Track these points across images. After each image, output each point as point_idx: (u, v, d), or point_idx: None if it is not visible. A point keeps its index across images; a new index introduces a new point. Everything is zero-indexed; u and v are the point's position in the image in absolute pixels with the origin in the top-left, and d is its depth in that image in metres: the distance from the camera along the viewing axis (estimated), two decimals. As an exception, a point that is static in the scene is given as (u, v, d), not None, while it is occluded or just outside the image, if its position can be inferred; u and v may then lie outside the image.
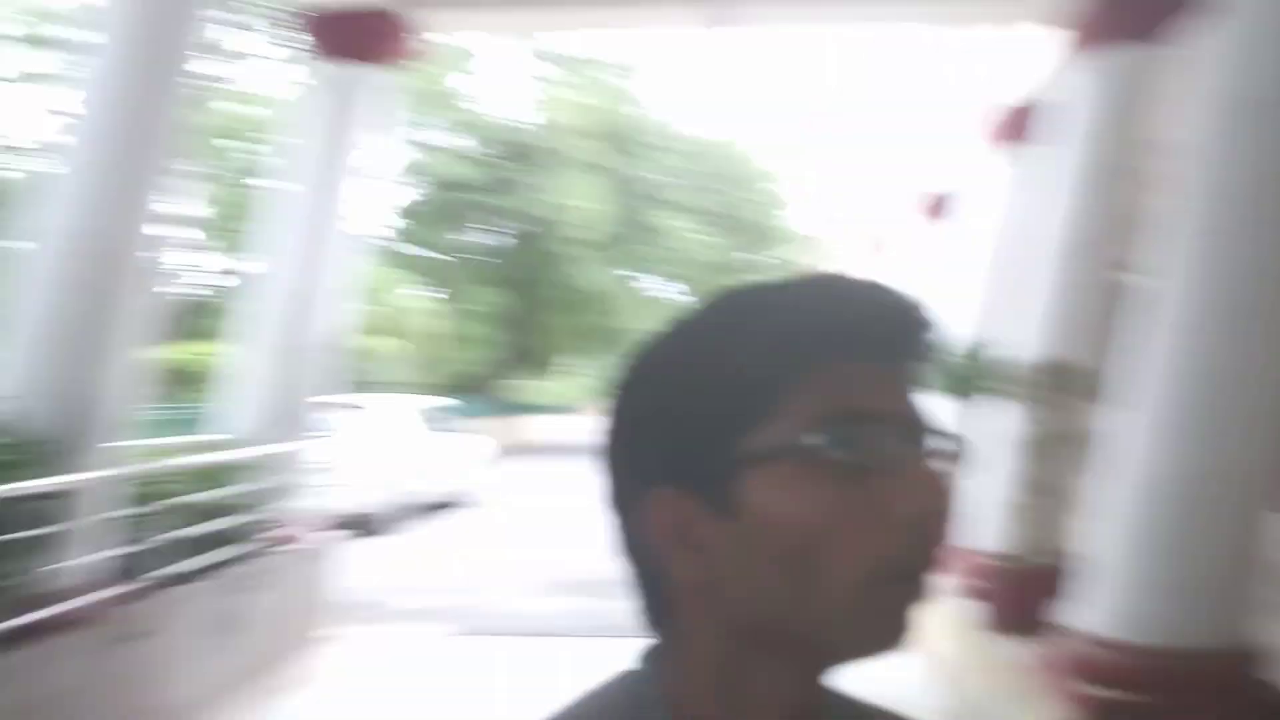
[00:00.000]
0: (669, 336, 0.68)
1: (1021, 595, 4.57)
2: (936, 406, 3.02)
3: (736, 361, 0.63)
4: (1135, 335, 3.74)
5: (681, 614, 0.66)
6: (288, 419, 5.65)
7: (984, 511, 5.31)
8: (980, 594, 5.01)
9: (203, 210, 15.38)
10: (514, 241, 25.57)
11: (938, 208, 10.52)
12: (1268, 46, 3.45)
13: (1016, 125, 7.07)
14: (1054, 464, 4.67)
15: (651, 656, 0.68)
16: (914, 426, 0.63)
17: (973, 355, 6.10)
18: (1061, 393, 4.61)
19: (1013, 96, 7.05)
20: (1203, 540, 3.45)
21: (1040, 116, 6.10)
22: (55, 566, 3.55)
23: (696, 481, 0.63)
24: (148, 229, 4.06)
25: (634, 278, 27.75)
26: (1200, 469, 3.43)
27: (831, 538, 0.60)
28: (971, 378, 5.83)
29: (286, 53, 16.26)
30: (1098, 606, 3.64)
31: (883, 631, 0.61)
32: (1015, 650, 4.26)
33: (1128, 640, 3.49)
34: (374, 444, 10.75)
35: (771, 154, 28.22)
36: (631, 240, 25.79)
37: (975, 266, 7.91)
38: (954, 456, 0.64)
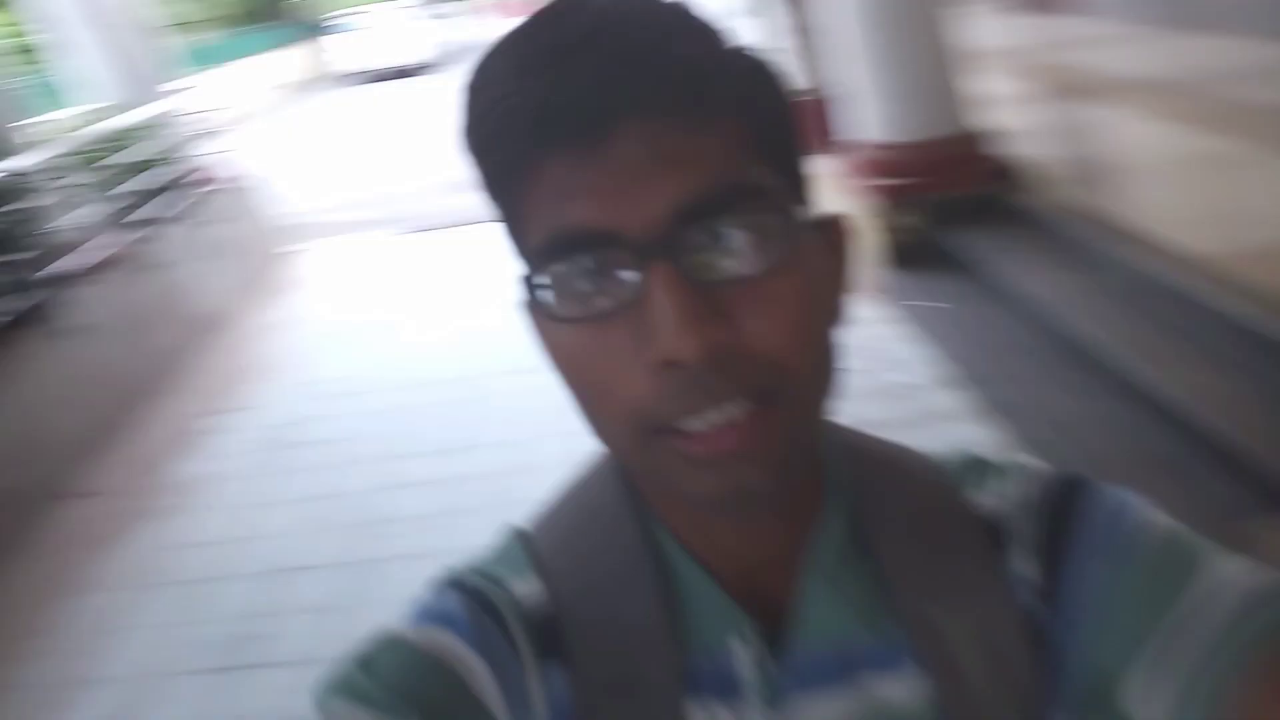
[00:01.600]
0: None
1: (808, 121, 5.85)
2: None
3: (473, 155, 0.49)
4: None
5: None
6: (141, 80, 6.15)
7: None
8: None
9: None
10: None
11: None
12: None
13: None
14: (808, 5, 5.66)
15: None
16: (653, 225, 0.45)
17: None
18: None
19: None
20: (920, 53, 4.73)
21: None
22: (57, 226, 4.33)
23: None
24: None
25: None
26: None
27: (585, 387, 0.49)
28: None
29: None
30: (866, 117, 4.97)
31: (685, 484, 0.48)
32: (814, 165, 5.59)
33: (894, 140, 4.88)
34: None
35: None
36: None
37: None
38: (766, 232, 0.46)
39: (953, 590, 0.54)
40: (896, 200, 4.70)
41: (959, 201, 4.71)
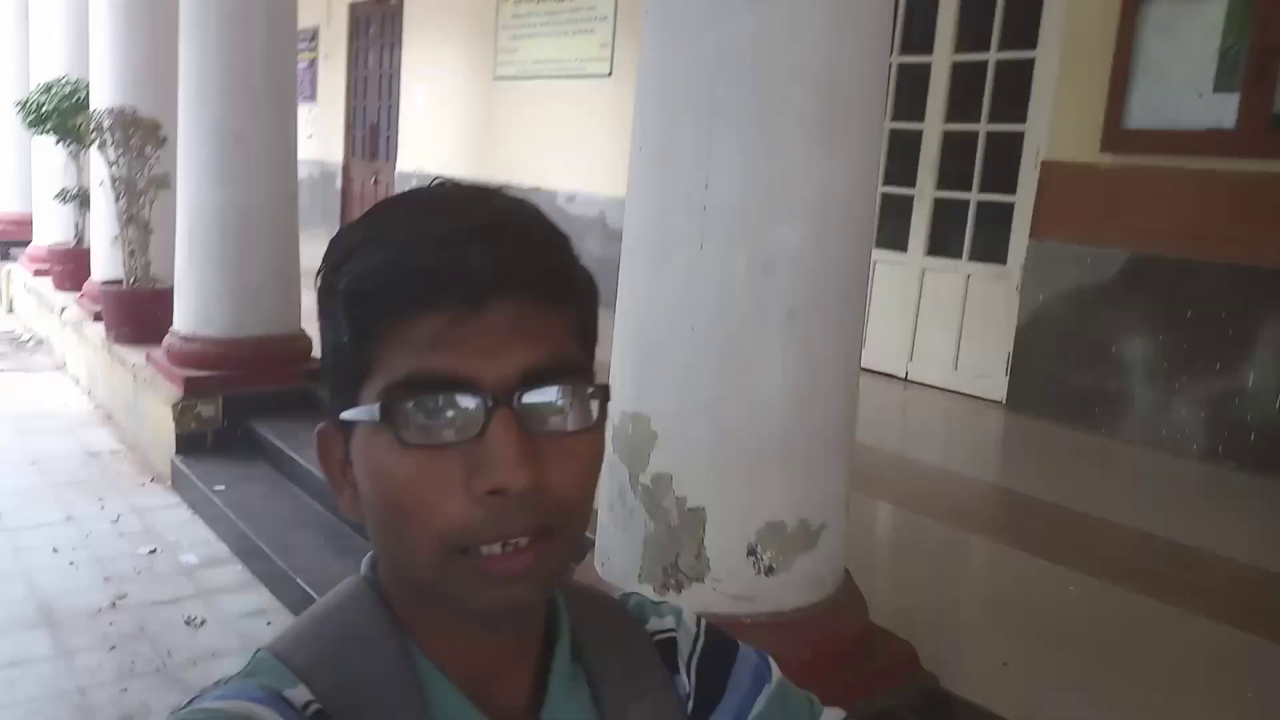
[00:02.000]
0: (323, 258, 0.62)
1: (137, 316, 5.79)
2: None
3: (336, 306, 0.58)
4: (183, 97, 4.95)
5: None
6: None
7: (99, 245, 6.40)
8: (101, 317, 6.13)
9: None
10: None
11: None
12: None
13: None
14: (140, 204, 5.81)
15: (373, 565, 0.66)
16: (504, 382, 0.55)
17: (64, 96, 6.88)
18: (135, 138, 5.67)
19: None
20: (254, 260, 5.00)
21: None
22: None
23: (340, 425, 0.60)
24: None
25: None
26: (244, 205, 4.91)
27: (402, 509, 0.56)
28: (66, 118, 6.67)
29: None
30: (187, 314, 5.05)
31: (472, 598, 0.57)
32: (133, 355, 5.50)
33: (212, 333, 4.98)
34: None
35: None
36: None
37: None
38: (580, 402, 0.58)
39: (640, 693, 0.70)
40: (196, 391, 4.74)
41: (271, 393, 4.86)
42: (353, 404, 0.58)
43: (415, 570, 0.58)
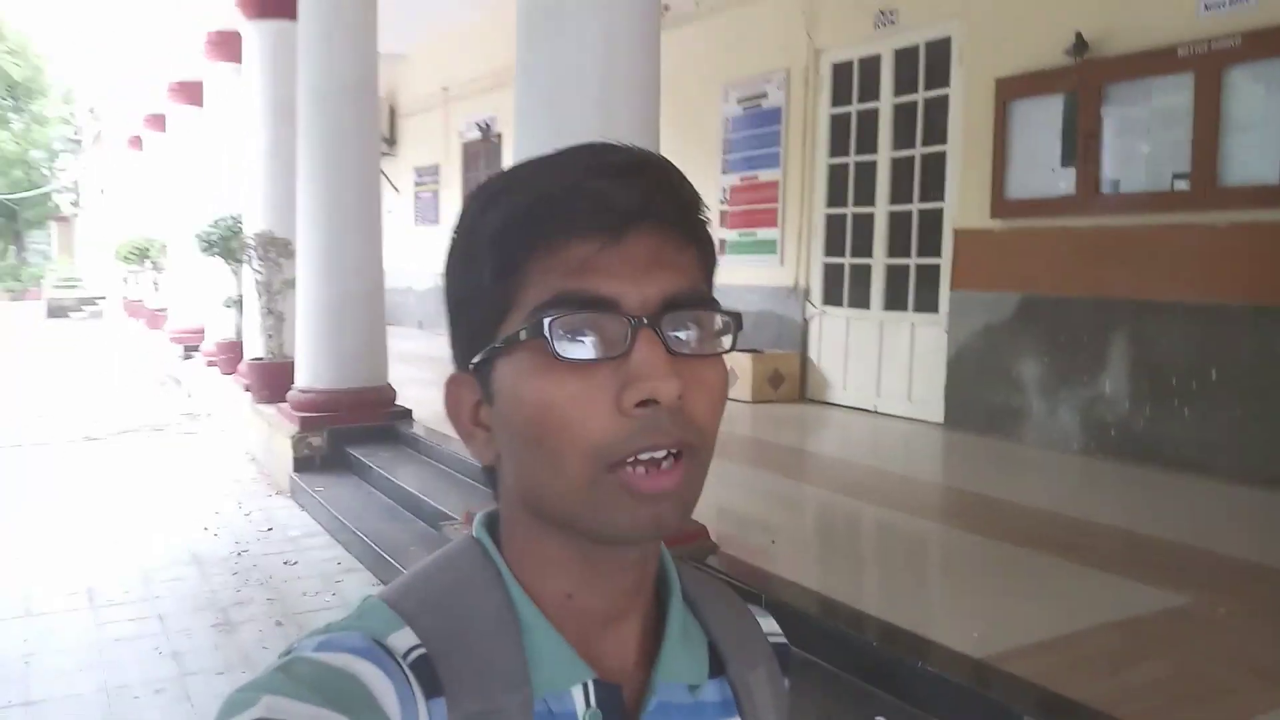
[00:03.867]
0: (456, 220, 0.67)
1: (270, 379, 7.72)
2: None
3: (479, 249, 0.63)
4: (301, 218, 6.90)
5: (501, 488, 0.68)
6: None
7: (250, 334, 8.45)
8: (248, 383, 8.13)
9: None
10: None
11: (189, 97, 13.01)
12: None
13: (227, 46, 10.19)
14: (276, 299, 7.81)
15: (489, 525, 0.69)
16: (657, 307, 0.60)
17: (229, 226, 9.13)
18: (272, 253, 7.72)
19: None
20: (349, 333, 6.82)
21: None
22: None
23: (475, 368, 0.64)
24: None
25: None
26: (341, 295, 6.76)
27: (554, 426, 0.59)
28: (228, 243, 8.91)
29: None
30: (303, 374, 6.88)
31: (619, 516, 0.59)
32: (272, 412, 7.37)
33: (322, 386, 6.79)
34: None
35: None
36: None
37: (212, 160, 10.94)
38: (714, 329, 0.63)
39: (754, 663, 0.75)
40: (308, 427, 6.54)
41: (363, 429, 6.63)
42: (492, 341, 0.62)
43: (563, 492, 0.60)
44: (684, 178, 0.64)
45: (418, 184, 15.24)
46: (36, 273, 40.72)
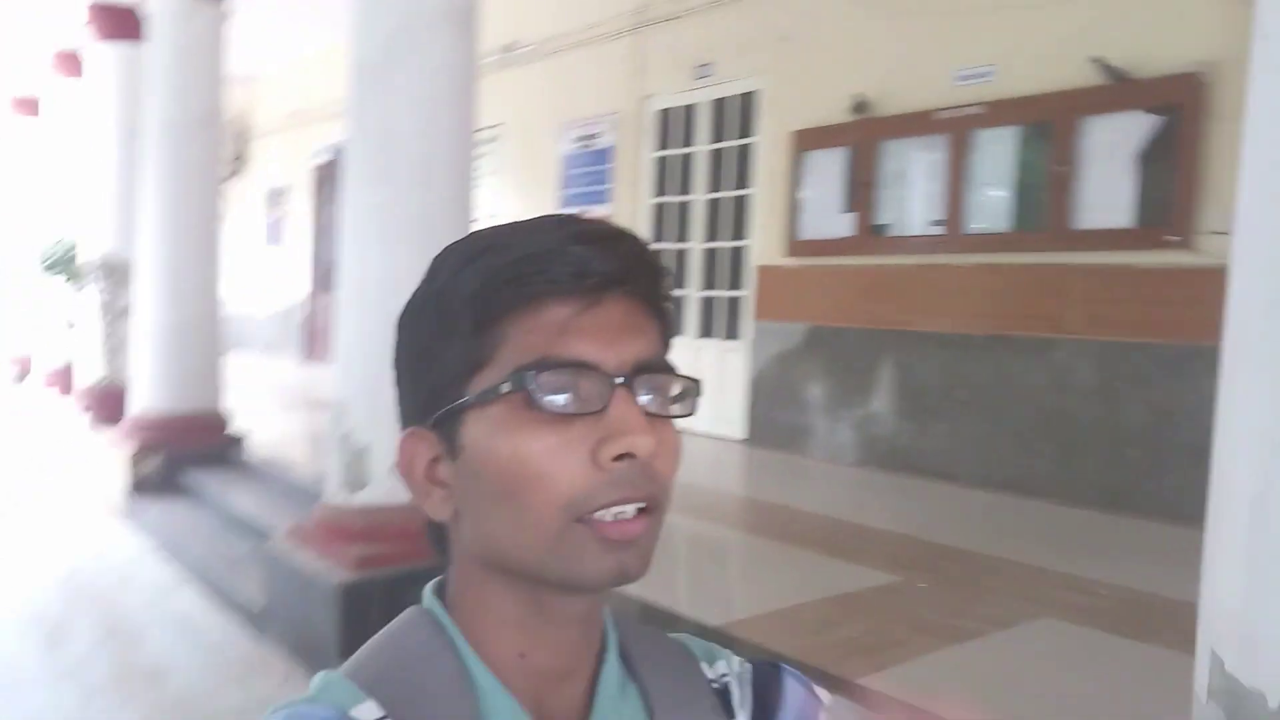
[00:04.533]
0: (426, 276, 0.69)
1: (107, 402, 7.88)
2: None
3: (453, 306, 0.65)
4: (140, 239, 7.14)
5: (454, 548, 0.69)
6: None
7: (88, 357, 8.57)
8: (85, 406, 8.25)
9: None
10: None
11: (25, 109, 12.87)
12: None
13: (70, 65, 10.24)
14: (117, 323, 7.99)
15: (439, 591, 0.71)
16: (631, 369, 0.64)
17: (68, 248, 9.22)
18: (116, 277, 7.91)
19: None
20: (187, 358, 7.07)
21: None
22: None
23: (435, 422, 0.66)
24: None
25: None
26: (179, 321, 7.02)
27: (527, 480, 0.62)
28: (67, 264, 9.01)
29: None
30: (141, 397, 7.10)
31: (586, 564, 0.62)
32: (108, 433, 7.52)
33: (159, 410, 7.01)
34: None
35: None
36: None
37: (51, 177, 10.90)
38: (673, 394, 0.67)
39: (692, 715, 0.73)
40: (144, 449, 6.76)
41: (198, 452, 6.89)
42: (462, 395, 0.65)
43: (530, 543, 0.63)
44: (656, 252, 0.69)
45: (270, 205, 15.30)
46: None
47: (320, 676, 0.66)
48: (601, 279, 0.64)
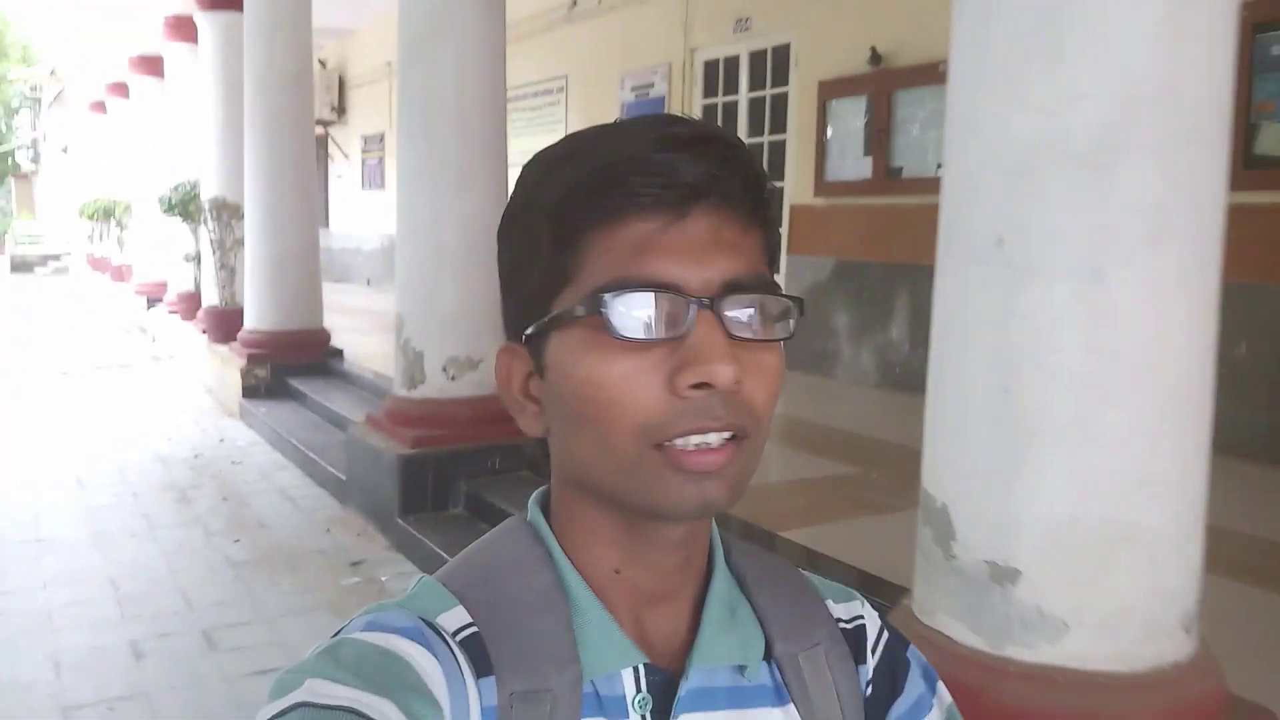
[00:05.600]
0: (517, 183, 0.65)
1: (224, 323, 9.09)
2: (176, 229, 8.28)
3: (537, 219, 0.61)
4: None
5: (553, 463, 0.67)
6: None
7: (206, 285, 9.81)
8: (204, 327, 9.51)
9: None
10: None
11: (151, 69, 14.16)
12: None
13: (184, 29, 11.38)
14: (229, 255, 9.17)
15: (542, 504, 0.69)
16: (718, 289, 0.59)
17: (187, 191, 10.45)
18: (225, 215, 9.07)
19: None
20: (289, 283, 8.17)
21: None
22: None
23: (527, 340, 0.64)
24: None
25: None
26: (282, 251, 8.11)
27: (602, 405, 0.59)
28: (187, 205, 10.24)
29: None
30: (251, 317, 8.25)
31: (665, 492, 0.59)
32: (224, 350, 8.73)
33: (266, 328, 8.16)
34: None
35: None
36: None
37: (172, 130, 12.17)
38: (774, 314, 0.61)
39: (811, 644, 0.70)
40: (254, 361, 7.93)
41: (300, 364, 8.03)
42: (547, 314, 0.61)
43: (610, 468, 0.60)
44: (751, 153, 0.62)
45: (365, 151, 16.45)
46: (-2, 228, 41.47)
47: (418, 580, 0.65)
48: (687, 190, 0.59)
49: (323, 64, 16.06)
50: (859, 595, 0.76)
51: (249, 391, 7.94)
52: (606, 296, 0.57)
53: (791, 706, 0.68)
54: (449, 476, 4.95)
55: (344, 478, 5.62)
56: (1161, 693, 2.02)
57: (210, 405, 8.53)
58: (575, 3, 10.14)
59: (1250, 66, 4.88)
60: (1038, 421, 2.02)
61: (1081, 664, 2.02)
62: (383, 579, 4.50)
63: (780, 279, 7.62)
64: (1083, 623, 2.02)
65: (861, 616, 0.75)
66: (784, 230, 8.20)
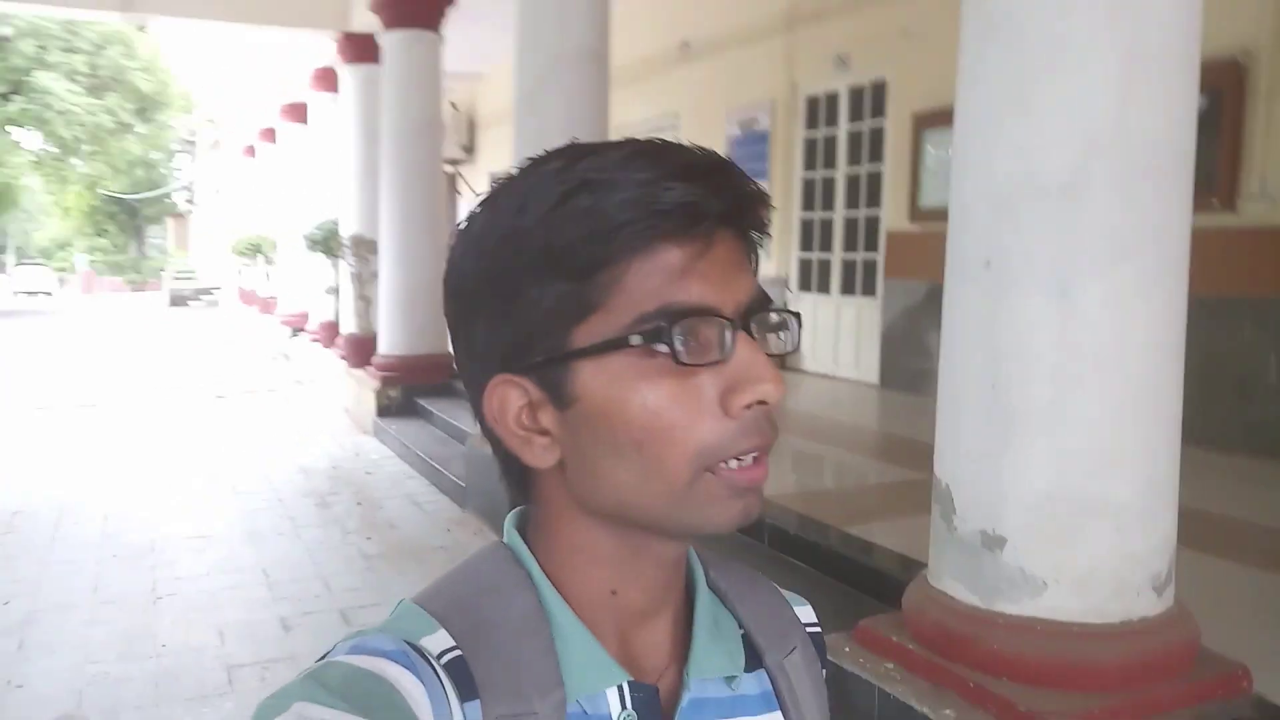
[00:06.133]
0: (496, 208, 0.63)
1: (360, 349, 9.93)
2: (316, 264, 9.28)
3: (559, 247, 0.59)
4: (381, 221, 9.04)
5: (542, 490, 0.66)
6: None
7: (344, 315, 10.70)
8: (343, 353, 10.38)
9: None
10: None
11: (297, 116, 15.35)
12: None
13: (328, 80, 12.38)
14: (365, 287, 10.03)
15: (520, 528, 0.68)
16: (744, 311, 0.60)
17: (329, 228, 11.41)
18: (363, 251, 9.93)
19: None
20: (419, 313, 8.92)
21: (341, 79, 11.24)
22: None
23: (533, 370, 0.61)
24: None
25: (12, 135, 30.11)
26: (413, 283, 8.86)
27: (658, 431, 0.58)
28: (328, 242, 11.19)
29: None
30: (384, 344, 9.03)
31: (717, 511, 0.60)
32: (361, 374, 9.54)
33: (398, 353, 8.93)
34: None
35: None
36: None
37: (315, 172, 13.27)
38: (786, 332, 0.64)
39: (790, 649, 0.73)
40: (387, 384, 8.71)
41: (429, 385, 8.76)
42: (563, 347, 0.60)
43: (658, 492, 0.60)
44: (758, 184, 0.63)
45: (492, 187, 17.28)
46: (156, 265, 44.63)
47: (399, 604, 0.65)
48: (715, 219, 0.59)
49: (454, 106, 17.06)
50: (806, 603, 0.80)
51: (382, 410, 8.70)
52: (663, 324, 0.57)
53: (778, 713, 0.71)
54: (555, 481, 5.47)
55: (464, 485, 6.23)
56: (1128, 642, 2.36)
57: (347, 424, 9.34)
58: (688, 44, 10.71)
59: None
60: (1020, 410, 2.41)
61: (1059, 616, 2.38)
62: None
63: (877, 301, 7.96)
64: (1059, 581, 2.39)
65: (815, 623, 0.79)
66: (881, 255, 8.54)
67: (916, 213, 8.11)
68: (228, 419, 9.77)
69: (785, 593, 0.78)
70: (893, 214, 8.42)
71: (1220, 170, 5.85)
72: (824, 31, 9.05)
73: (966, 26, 2.60)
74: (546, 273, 0.59)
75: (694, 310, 0.58)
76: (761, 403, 0.59)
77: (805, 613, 0.78)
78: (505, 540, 0.68)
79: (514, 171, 0.64)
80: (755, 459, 0.61)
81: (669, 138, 0.62)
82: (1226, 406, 5.63)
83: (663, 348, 0.57)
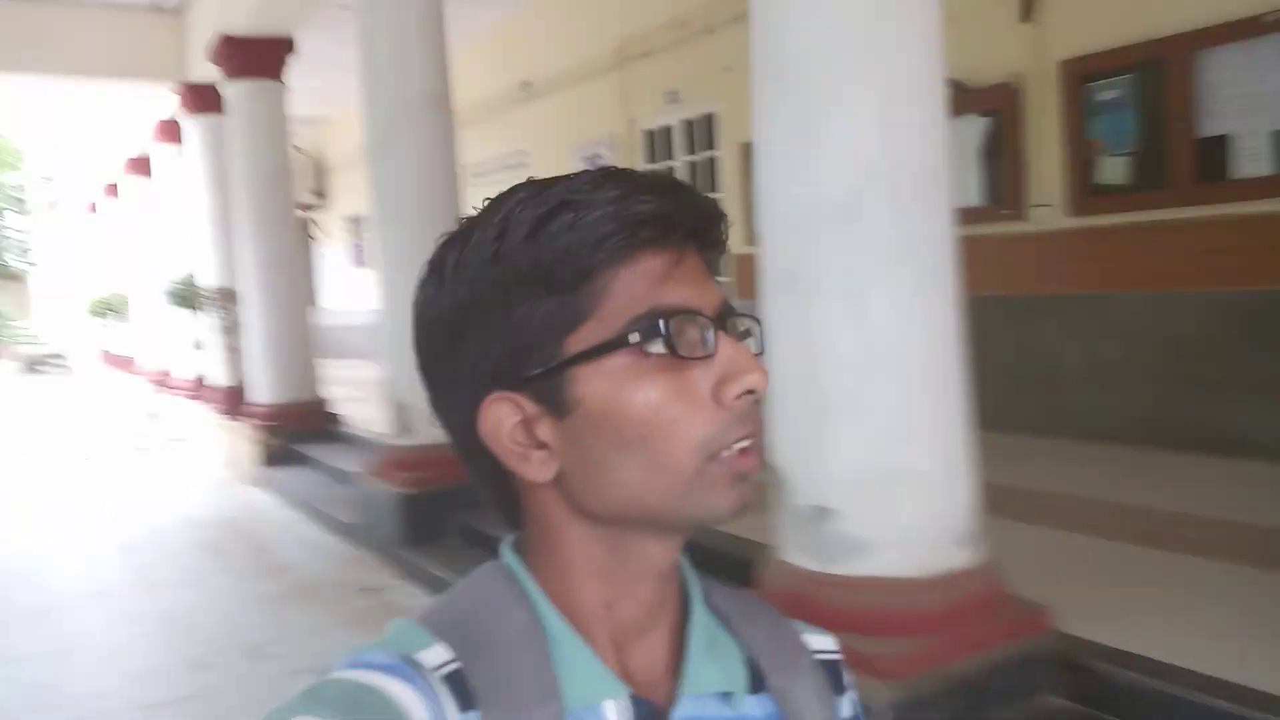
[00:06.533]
0: (469, 240, 0.65)
1: (234, 401, 9.95)
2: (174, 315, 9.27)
3: (546, 263, 0.62)
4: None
5: (537, 507, 0.68)
6: None
7: (211, 366, 10.70)
8: (216, 406, 10.39)
9: None
10: None
11: (140, 170, 15.12)
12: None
13: (171, 132, 12.32)
14: (231, 338, 10.08)
15: (517, 547, 0.70)
16: (719, 312, 0.65)
17: (188, 282, 11.38)
18: (226, 303, 9.99)
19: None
20: (290, 359, 9.04)
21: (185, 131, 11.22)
22: None
23: (527, 384, 0.64)
24: None
25: None
26: (279, 331, 8.98)
27: (662, 426, 0.62)
28: (189, 296, 11.17)
29: None
30: (257, 392, 9.10)
31: (720, 499, 0.63)
32: (237, 425, 9.56)
33: (272, 401, 9.01)
34: None
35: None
36: None
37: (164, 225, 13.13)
38: (751, 334, 0.68)
39: (796, 674, 0.74)
40: (267, 429, 8.79)
41: (306, 430, 8.89)
42: (559, 356, 0.63)
43: (664, 485, 0.63)
44: (713, 198, 0.68)
45: (354, 231, 17.29)
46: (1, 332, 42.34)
47: (393, 622, 0.67)
48: (686, 233, 0.64)
49: (299, 150, 17.04)
50: (829, 634, 0.81)
51: (263, 459, 8.77)
52: (657, 323, 0.61)
53: None
54: (442, 511, 5.75)
55: (352, 522, 6.43)
56: (941, 591, 2.85)
57: (228, 476, 9.36)
58: (529, 84, 11.11)
59: (1081, 111, 5.76)
60: (831, 399, 2.88)
61: (882, 573, 2.85)
62: (388, 597, 5.32)
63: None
64: (881, 542, 2.86)
65: (837, 651, 0.80)
66: (733, 277, 9.06)
67: (753, 236, 8.62)
68: (99, 480, 9.65)
69: (806, 626, 0.80)
70: (734, 239, 8.89)
71: (1007, 184, 6.41)
72: (654, 69, 9.54)
73: (758, 70, 3.06)
74: (535, 289, 0.62)
75: (680, 310, 0.62)
76: (750, 392, 0.63)
77: (822, 641, 0.80)
78: (503, 561, 0.69)
79: (474, 211, 0.67)
80: (748, 447, 0.64)
81: (520, 174, 0.73)
82: (1036, 395, 6.25)
83: (658, 345, 0.61)
